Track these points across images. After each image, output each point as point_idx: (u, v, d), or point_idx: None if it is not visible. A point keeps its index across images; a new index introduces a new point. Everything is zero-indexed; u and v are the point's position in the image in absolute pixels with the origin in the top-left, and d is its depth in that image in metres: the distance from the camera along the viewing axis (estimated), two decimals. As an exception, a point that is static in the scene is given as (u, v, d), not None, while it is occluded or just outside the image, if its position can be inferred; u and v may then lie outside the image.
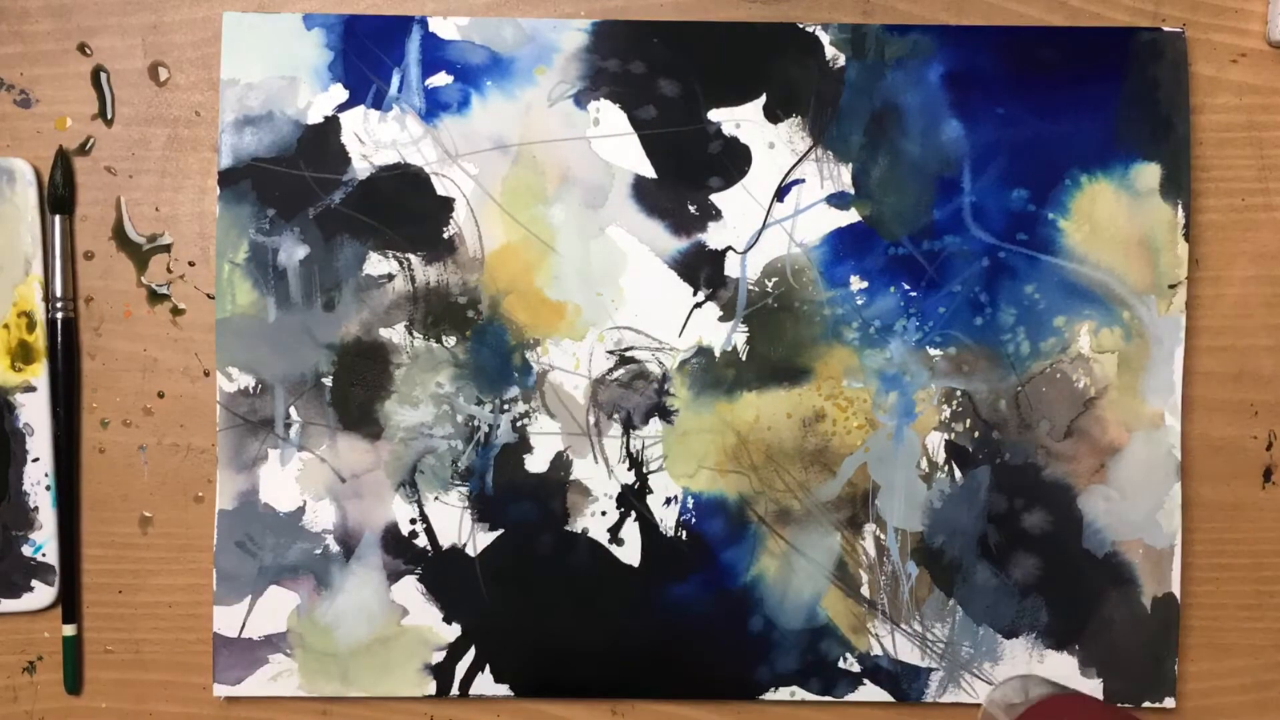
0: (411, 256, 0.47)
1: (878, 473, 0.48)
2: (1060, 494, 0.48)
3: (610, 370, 0.48)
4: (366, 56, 0.47)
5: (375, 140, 0.47)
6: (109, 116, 0.48)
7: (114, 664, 0.48)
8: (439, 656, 0.47)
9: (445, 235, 0.47)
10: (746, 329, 0.48)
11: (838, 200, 0.48)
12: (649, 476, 0.48)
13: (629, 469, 0.48)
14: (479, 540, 0.47)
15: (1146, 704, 0.48)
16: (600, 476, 0.48)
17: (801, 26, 0.48)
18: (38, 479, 0.47)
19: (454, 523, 0.47)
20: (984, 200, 0.48)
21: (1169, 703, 0.48)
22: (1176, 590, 0.48)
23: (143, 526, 0.48)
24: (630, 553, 0.48)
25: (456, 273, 0.47)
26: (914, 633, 0.48)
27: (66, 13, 0.48)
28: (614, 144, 0.47)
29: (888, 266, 0.48)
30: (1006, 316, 0.48)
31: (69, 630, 0.47)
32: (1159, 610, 0.48)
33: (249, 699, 0.48)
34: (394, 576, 0.47)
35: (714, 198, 0.48)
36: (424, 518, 0.47)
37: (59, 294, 0.47)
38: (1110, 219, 0.48)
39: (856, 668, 0.48)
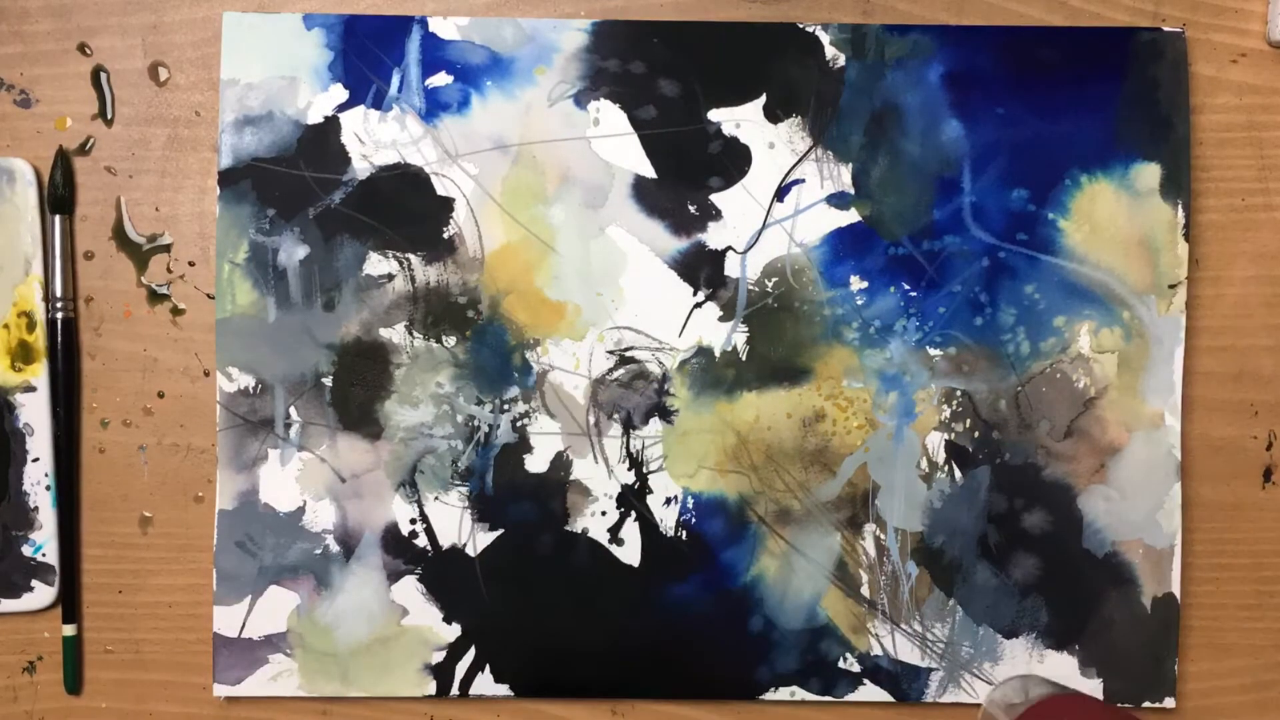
0: (411, 256, 0.47)
1: (878, 473, 0.48)
2: (1060, 494, 0.48)
3: (610, 370, 0.48)
4: (366, 56, 0.47)
5: (375, 140, 0.47)
6: (109, 116, 0.48)
7: (114, 664, 0.48)
8: (439, 656, 0.47)
9: (445, 235, 0.47)
10: (746, 329, 0.48)
11: (838, 200, 0.48)
12: (649, 476, 0.48)
13: (629, 469, 0.48)
14: (479, 540, 0.47)
15: (1146, 704, 0.48)
16: (600, 476, 0.48)
17: (801, 26, 0.48)
18: (38, 479, 0.47)
19: (454, 523, 0.47)
20: (984, 200, 0.48)
21: (1169, 703, 0.48)
22: (1176, 590, 0.48)
23: (143, 526, 0.48)
24: (630, 553, 0.48)
25: (456, 273, 0.47)
26: (914, 633, 0.48)
27: (66, 13, 0.48)
28: (614, 144, 0.47)
29: (888, 266, 0.48)
30: (1006, 316, 0.48)
31: (69, 630, 0.47)
32: (1159, 610, 0.48)
33: (249, 699, 0.48)
34: (394, 576, 0.47)
35: (714, 198, 0.48)
36: (424, 518, 0.47)
37: (59, 294, 0.47)
38: (1110, 219, 0.48)
39: (856, 668, 0.48)
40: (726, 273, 0.48)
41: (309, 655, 0.47)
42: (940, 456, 0.48)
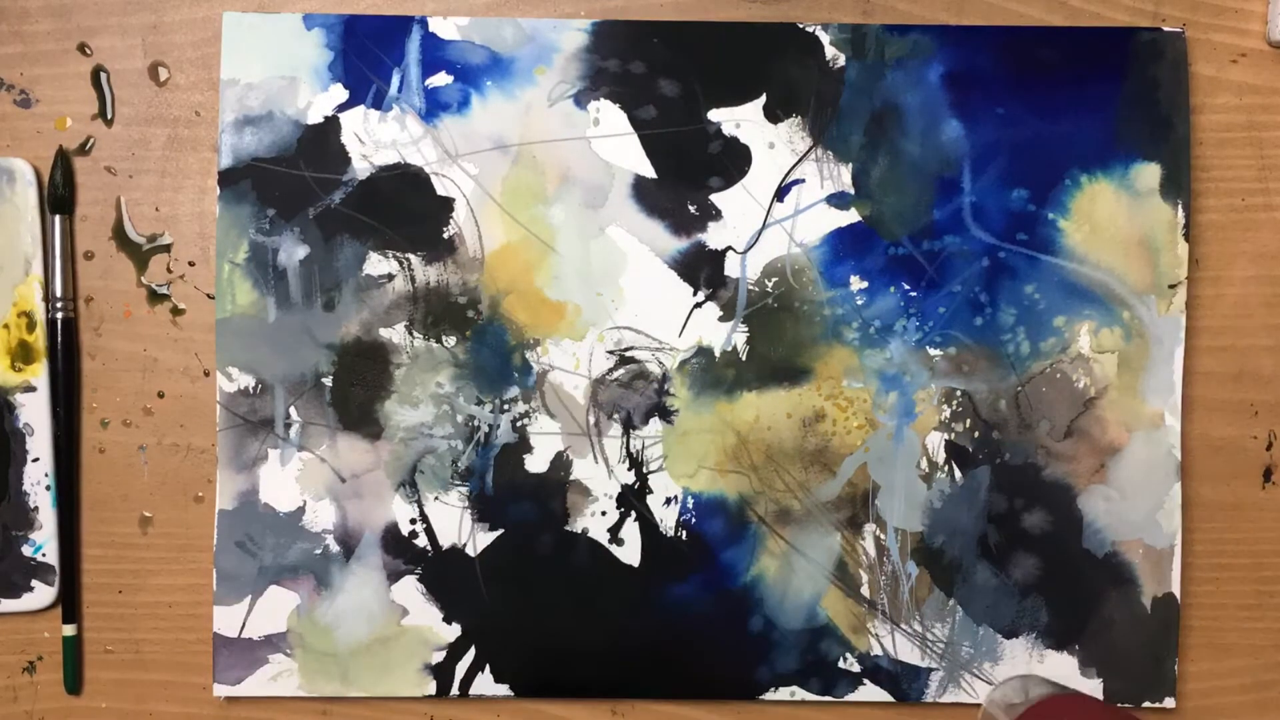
0: (411, 256, 0.47)
1: (878, 473, 0.48)
2: (1060, 494, 0.48)
3: (610, 370, 0.48)
4: (366, 56, 0.47)
5: (375, 140, 0.47)
6: (109, 116, 0.48)
7: (114, 664, 0.48)
8: (439, 656, 0.47)
9: (445, 235, 0.47)
10: (746, 329, 0.48)
11: (838, 200, 0.48)
12: (649, 476, 0.48)
13: (629, 469, 0.48)
14: (479, 540, 0.47)
15: (1146, 704, 0.48)
16: (600, 476, 0.48)
17: (801, 26, 0.48)
18: (38, 479, 0.47)
19: (454, 523, 0.47)
20: (984, 200, 0.48)
21: (1169, 703, 0.48)
22: (1176, 590, 0.48)
23: (143, 526, 0.48)
24: (630, 553, 0.48)
25: (456, 273, 0.47)
26: (914, 633, 0.48)
27: (66, 13, 0.48)
28: (614, 144, 0.47)
29: (888, 266, 0.48)
30: (1006, 316, 0.48)
31: (69, 630, 0.47)
32: (1159, 610, 0.48)
33: (249, 699, 0.48)
34: (394, 576, 0.47)
35: (714, 198, 0.48)
36: (424, 518, 0.47)
37: (59, 294, 0.47)
38: (1110, 219, 0.48)
39: (856, 668, 0.48)
40: (726, 273, 0.48)
41: (309, 655, 0.47)
42: (940, 456, 0.48)
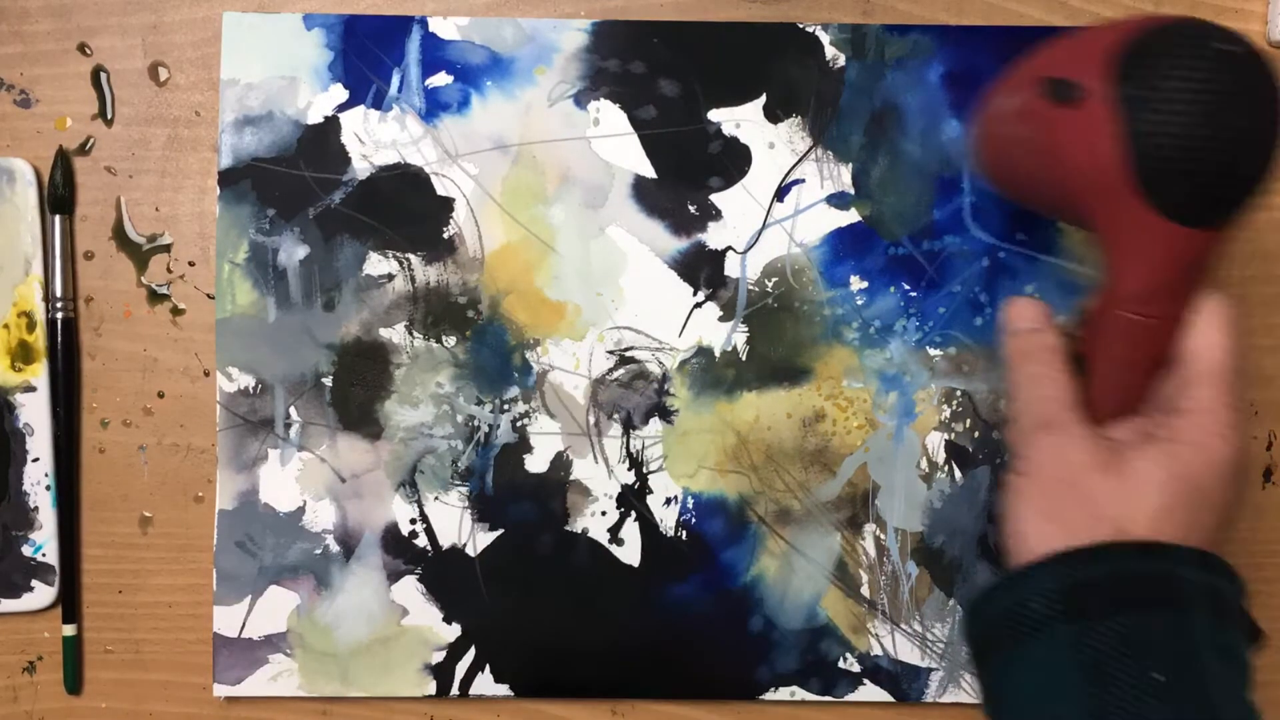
0: (411, 256, 0.47)
1: (878, 473, 0.48)
2: (1060, 494, 0.48)
3: (610, 370, 0.48)
4: (366, 56, 0.47)
5: (375, 140, 0.47)
6: (109, 116, 0.48)
7: (114, 664, 0.48)
8: (439, 656, 0.47)
9: (445, 235, 0.47)
10: (746, 329, 0.48)
11: (838, 200, 0.48)
12: (649, 476, 0.48)
13: (629, 469, 0.48)
14: (479, 540, 0.47)
15: (1146, 704, 0.48)
16: (600, 476, 0.48)
17: (801, 26, 0.48)
18: (38, 479, 0.47)
19: (454, 523, 0.47)
20: (984, 200, 0.48)
21: (1169, 703, 0.48)
22: (1176, 590, 0.48)
23: (143, 526, 0.48)
24: (630, 553, 0.48)
25: (456, 273, 0.47)
26: (914, 633, 0.48)
27: (66, 13, 0.48)
28: (614, 144, 0.47)
29: (888, 266, 0.48)
30: (1006, 316, 0.48)
31: (69, 630, 0.47)
32: (1159, 610, 0.48)
33: (249, 699, 0.48)
34: (394, 576, 0.47)
35: (714, 198, 0.48)
36: (424, 518, 0.47)
37: (59, 294, 0.47)
38: (1110, 219, 0.48)
39: (856, 668, 0.48)
40: (726, 273, 0.48)
41: (309, 655, 0.47)
42: (940, 456, 0.48)
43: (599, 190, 0.47)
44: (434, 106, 0.47)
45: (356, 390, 0.47)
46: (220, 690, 0.47)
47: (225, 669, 0.47)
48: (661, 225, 0.48)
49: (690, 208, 0.48)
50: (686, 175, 0.47)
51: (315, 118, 0.47)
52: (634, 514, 0.48)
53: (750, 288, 0.48)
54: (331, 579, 0.47)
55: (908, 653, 0.48)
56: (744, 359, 0.48)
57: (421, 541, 0.47)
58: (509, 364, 0.47)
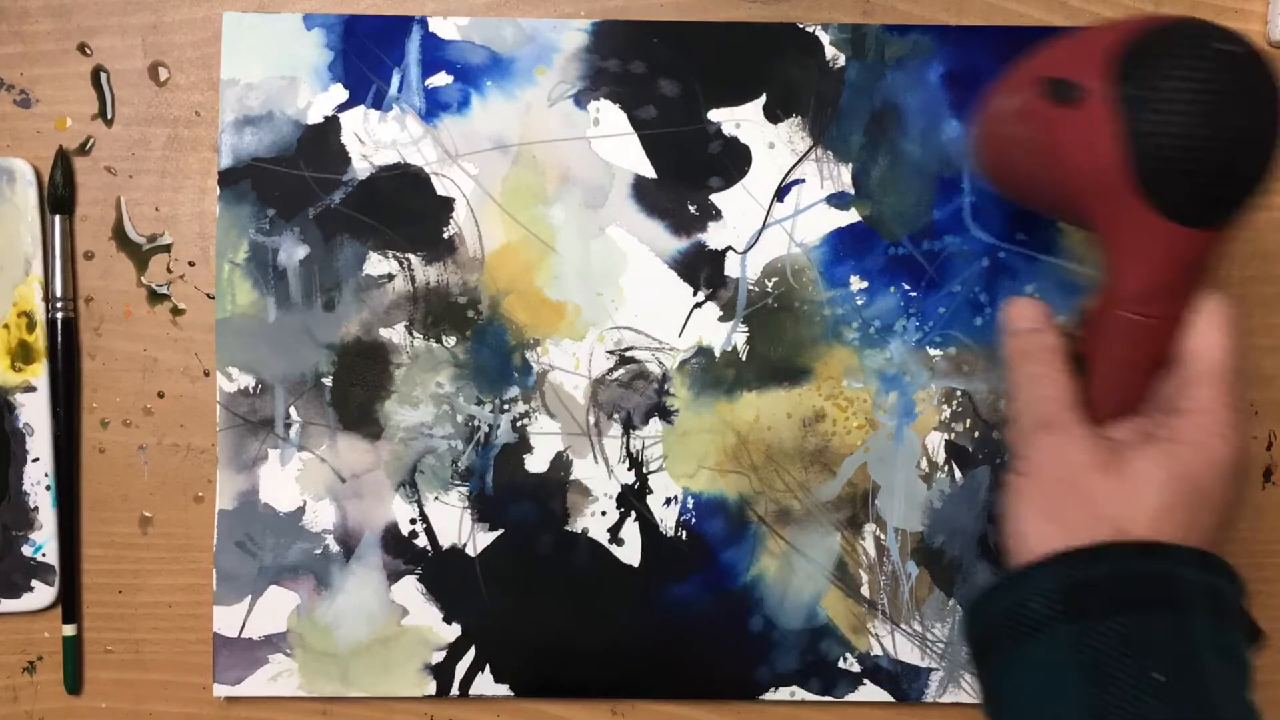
0: (411, 256, 0.47)
1: (878, 473, 0.48)
2: (1060, 494, 0.48)
3: (610, 370, 0.48)
4: (366, 56, 0.47)
5: (375, 140, 0.47)
6: (109, 116, 0.48)
7: (114, 664, 0.48)
8: (439, 656, 0.47)
9: (445, 235, 0.47)
10: (746, 329, 0.48)
11: (838, 200, 0.48)
12: (649, 476, 0.48)
13: (629, 469, 0.48)
14: (479, 540, 0.47)
15: (1146, 704, 0.48)
16: (600, 476, 0.48)
17: (801, 26, 0.48)
18: (38, 479, 0.47)
19: (454, 523, 0.47)
20: (984, 200, 0.48)
21: (1169, 703, 0.48)
22: (1176, 590, 0.48)
23: (143, 526, 0.48)
24: (630, 553, 0.48)
25: (456, 273, 0.47)
26: (914, 633, 0.48)
27: (66, 13, 0.48)
28: (614, 144, 0.47)
29: (888, 266, 0.48)
30: (1006, 316, 0.48)
31: (69, 630, 0.47)
32: (1159, 610, 0.48)
33: (249, 699, 0.48)
34: (394, 576, 0.47)
35: (714, 198, 0.48)
36: (424, 518, 0.47)
37: (59, 294, 0.47)
38: (1110, 219, 0.48)
39: (856, 668, 0.48)
40: (726, 273, 0.48)
41: (309, 655, 0.47)
42: (940, 456, 0.48)
43: (599, 190, 0.47)
44: (434, 106, 0.47)
45: (356, 390, 0.47)
46: (220, 690, 0.47)
47: (225, 669, 0.47)
48: (661, 225, 0.48)
49: (690, 208, 0.48)
50: (686, 175, 0.47)
51: (315, 118, 0.47)
52: (634, 514, 0.48)
53: (750, 288, 0.48)
54: (331, 579, 0.47)
55: (908, 653, 0.48)
56: (744, 359, 0.48)
57: (421, 541, 0.47)
58: (509, 364, 0.47)
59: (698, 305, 0.48)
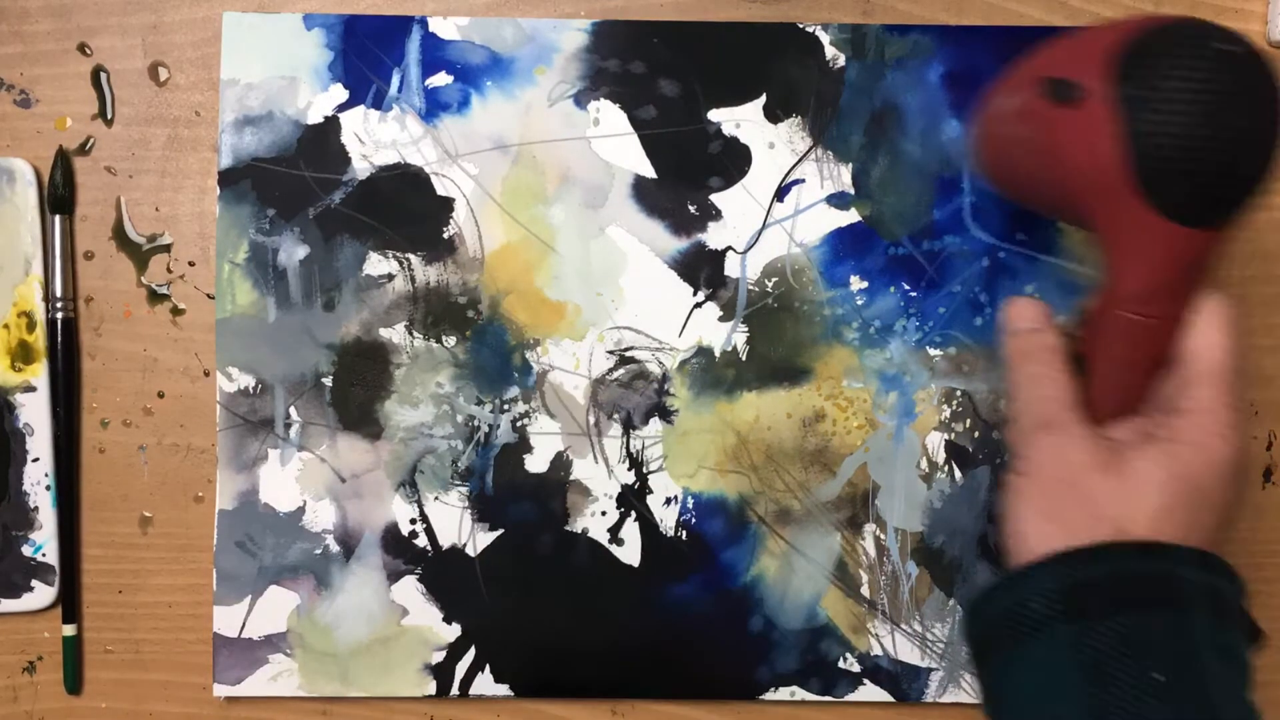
0: (411, 256, 0.47)
1: (878, 473, 0.48)
2: (1060, 494, 0.48)
3: (610, 370, 0.48)
4: (366, 56, 0.47)
5: (375, 140, 0.47)
6: (109, 116, 0.48)
7: (114, 664, 0.48)
8: (439, 656, 0.47)
9: (445, 235, 0.47)
10: (746, 329, 0.48)
11: (838, 200, 0.48)
12: (649, 476, 0.48)
13: (629, 469, 0.48)
14: (479, 540, 0.47)
15: (1146, 704, 0.48)
16: (600, 476, 0.48)
17: (801, 26, 0.48)
18: (38, 479, 0.47)
19: (454, 523, 0.47)
20: (984, 200, 0.48)
21: (1169, 703, 0.48)
22: (1176, 590, 0.48)
23: (143, 526, 0.48)
24: (630, 553, 0.48)
25: (456, 273, 0.47)
26: (914, 633, 0.48)
27: (66, 13, 0.48)
28: (614, 144, 0.47)
29: (888, 266, 0.48)
30: (1006, 316, 0.48)
31: (69, 630, 0.47)
32: (1159, 610, 0.48)
33: (249, 699, 0.48)
34: (394, 576, 0.47)
35: (714, 198, 0.48)
36: (424, 518, 0.47)
37: (59, 294, 0.47)
38: (1110, 219, 0.48)
39: (856, 668, 0.48)
40: (726, 273, 0.48)
41: (309, 655, 0.47)
42: (940, 456, 0.48)
43: (599, 190, 0.47)
44: (434, 106, 0.47)
45: (356, 390, 0.47)
46: (220, 690, 0.47)
47: (225, 669, 0.47)
48: (661, 225, 0.48)
49: (690, 208, 0.48)
50: (686, 175, 0.47)
51: (315, 118, 0.47)
52: (634, 514, 0.48)
53: (750, 288, 0.48)
54: (331, 579, 0.47)
55: (908, 653, 0.48)
56: (744, 359, 0.48)
57: (421, 541, 0.47)
58: (509, 364, 0.47)
59: (698, 305, 0.48)
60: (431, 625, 0.47)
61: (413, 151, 0.47)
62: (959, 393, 0.48)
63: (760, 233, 0.48)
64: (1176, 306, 0.36)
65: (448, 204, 0.47)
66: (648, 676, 0.48)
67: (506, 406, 0.47)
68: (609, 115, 0.47)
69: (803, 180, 0.48)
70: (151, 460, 0.48)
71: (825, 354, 0.48)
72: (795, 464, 0.47)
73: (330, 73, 0.47)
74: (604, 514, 0.48)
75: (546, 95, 0.47)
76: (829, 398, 0.48)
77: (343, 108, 0.47)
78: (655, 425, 0.48)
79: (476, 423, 0.47)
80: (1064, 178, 0.36)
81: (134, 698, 0.48)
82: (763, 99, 0.47)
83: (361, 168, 0.47)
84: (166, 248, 0.48)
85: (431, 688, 0.47)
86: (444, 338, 0.47)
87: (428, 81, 0.47)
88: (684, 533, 0.48)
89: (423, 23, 0.47)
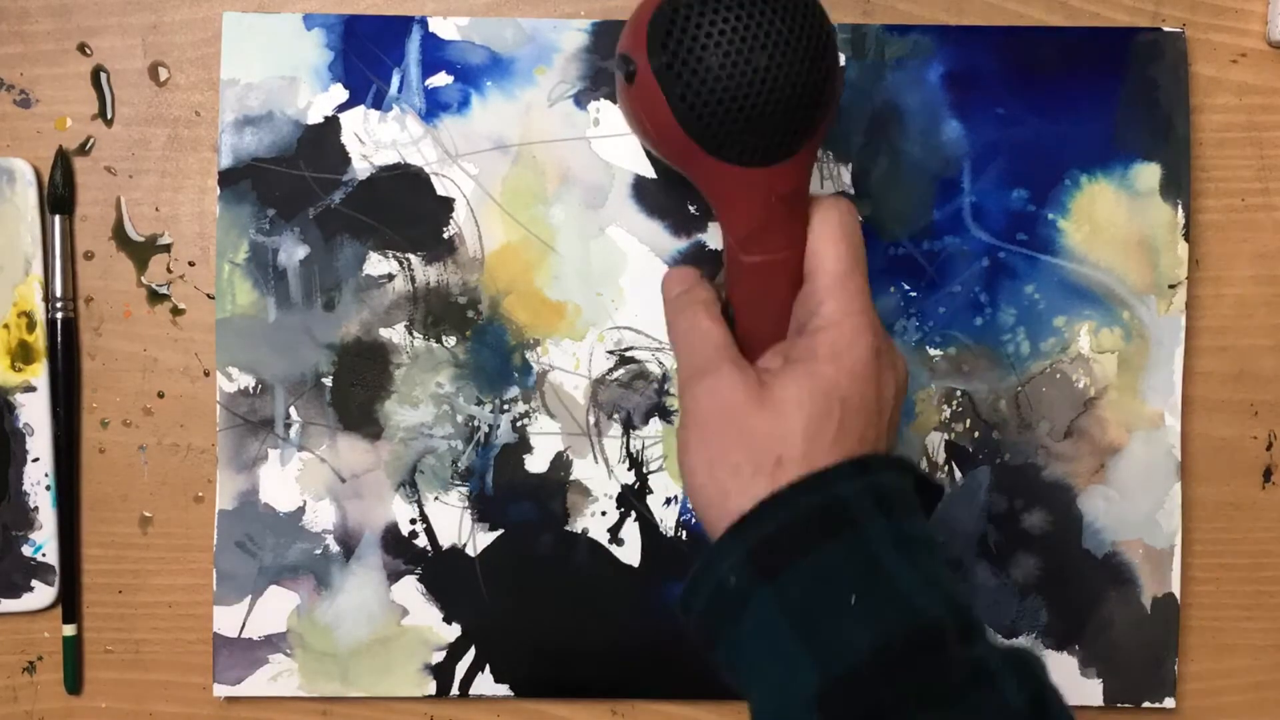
0: (411, 256, 0.47)
1: (878, 473, 0.48)
2: (1060, 494, 0.48)
3: (610, 370, 0.48)
4: (366, 56, 0.47)
5: (375, 140, 0.47)
6: (109, 116, 0.48)
7: (114, 664, 0.48)
8: (439, 656, 0.47)
9: (445, 235, 0.47)
10: (746, 329, 0.47)
11: (838, 200, 0.48)
12: (649, 476, 0.48)
13: (629, 469, 0.48)
14: (479, 540, 0.47)
15: (1146, 704, 0.48)
16: (600, 476, 0.48)
17: (801, 26, 0.47)
18: (38, 479, 0.47)
19: (454, 523, 0.47)
20: (984, 200, 0.48)
21: (1169, 703, 0.48)
22: (1176, 590, 0.48)
23: (143, 526, 0.48)
24: (630, 553, 0.48)
25: (456, 273, 0.47)
26: (914, 633, 0.48)
27: (66, 13, 0.48)
28: (614, 144, 0.47)
29: (888, 266, 0.48)
30: (1006, 316, 0.48)
31: (69, 630, 0.47)
32: (1159, 610, 0.48)
33: (249, 699, 0.48)
34: (394, 576, 0.47)
35: (714, 198, 0.47)
36: (424, 518, 0.47)
37: (59, 294, 0.47)
38: (1110, 219, 0.48)
39: (856, 668, 0.47)
40: (726, 273, 0.47)
41: (309, 655, 0.47)
42: (940, 456, 0.48)
43: (599, 190, 0.47)
44: (434, 106, 0.47)
45: (356, 390, 0.47)
46: (220, 690, 0.47)
47: (225, 669, 0.47)
48: (661, 225, 0.47)
49: (690, 208, 0.48)
50: (686, 175, 0.47)
51: (315, 118, 0.47)
52: (634, 514, 0.48)
53: (750, 288, 0.48)
54: (331, 579, 0.47)
55: (908, 653, 0.48)
56: (744, 359, 0.48)
57: (421, 541, 0.47)
58: (509, 364, 0.47)
59: (698, 305, 0.47)
60: (431, 625, 0.47)
61: (413, 151, 0.47)
62: (959, 393, 0.48)
63: (760, 233, 0.47)
64: (784, 239, 0.37)
65: (448, 204, 0.47)
66: (648, 676, 0.48)
67: (506, 406, 0.47)
68: (609, 115, 0.47)
69: (803, 180, 0.48)
70: (151, 460, 0.48)
71: (825, 354, 0.47)
72: (795, 464, 0.47)
73: (330, 73, 0.47)
74: (604, 514, 0.48)
75: (546, 95, 0.47)
76: (829, 398, 0.47)
77: (343, 108, 0.47)
78: (655, 425, 0.48)
79: (476, 423, 0.47)
80: (655, 145, 0.38)
81: (134, 698, 0.48)
82: (763, 99, 0.47)
83: (361, 168, 0.47)
84: (166, 248, 0.48)
85: (431, 688, 0.47)
86: (444, 338, 0.47)
87: (428, 81, 0.47)
88: (684, 533, 0.48)
89: (423, 23, 0.47)
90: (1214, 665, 0.49)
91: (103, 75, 0.48)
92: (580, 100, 0.47)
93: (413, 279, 0.47)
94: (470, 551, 0.47)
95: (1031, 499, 0.48)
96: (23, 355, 0.47)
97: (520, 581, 0.47)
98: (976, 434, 0.48)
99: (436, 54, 0.47)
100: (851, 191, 0.48)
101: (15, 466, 0.47)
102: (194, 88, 0.48)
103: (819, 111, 0.35)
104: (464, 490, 0.47)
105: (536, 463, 0.48)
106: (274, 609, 0.47)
